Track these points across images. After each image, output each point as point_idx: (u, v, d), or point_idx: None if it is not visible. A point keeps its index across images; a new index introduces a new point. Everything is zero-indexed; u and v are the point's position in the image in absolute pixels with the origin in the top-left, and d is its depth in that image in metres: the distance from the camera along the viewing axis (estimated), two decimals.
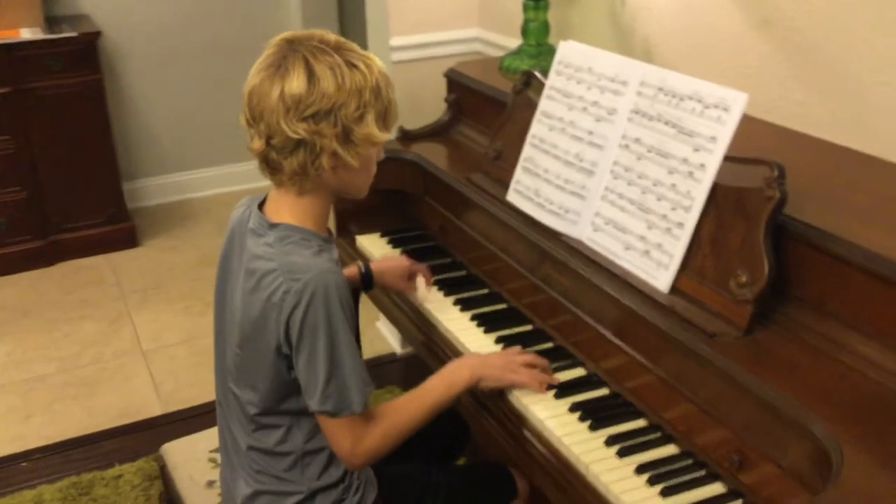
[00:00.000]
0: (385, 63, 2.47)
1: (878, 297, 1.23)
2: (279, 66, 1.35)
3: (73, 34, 3.66)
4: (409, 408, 1.49)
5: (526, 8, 2.25)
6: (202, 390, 2.98)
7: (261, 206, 1.48)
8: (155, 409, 2.91)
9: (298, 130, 1.33)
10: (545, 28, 2.26)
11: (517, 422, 1.52)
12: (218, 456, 1.83)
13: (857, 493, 1.02)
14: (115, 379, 3.09)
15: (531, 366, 1.56)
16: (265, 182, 1.45)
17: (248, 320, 1.41)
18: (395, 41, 2.76)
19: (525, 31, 2.26)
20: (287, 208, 1.44)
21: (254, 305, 1.39)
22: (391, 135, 1.44)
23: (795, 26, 1.77)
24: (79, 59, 3.70)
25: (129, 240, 4.06)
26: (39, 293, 3.68)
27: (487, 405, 1.60)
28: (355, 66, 1.36)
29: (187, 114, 4.45)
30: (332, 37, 1.40)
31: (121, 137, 4.10)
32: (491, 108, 2.12)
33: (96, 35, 3.73)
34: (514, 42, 2.45)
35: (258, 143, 1.39)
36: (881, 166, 1.58)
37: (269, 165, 1.41)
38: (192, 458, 1.84)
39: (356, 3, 3.77)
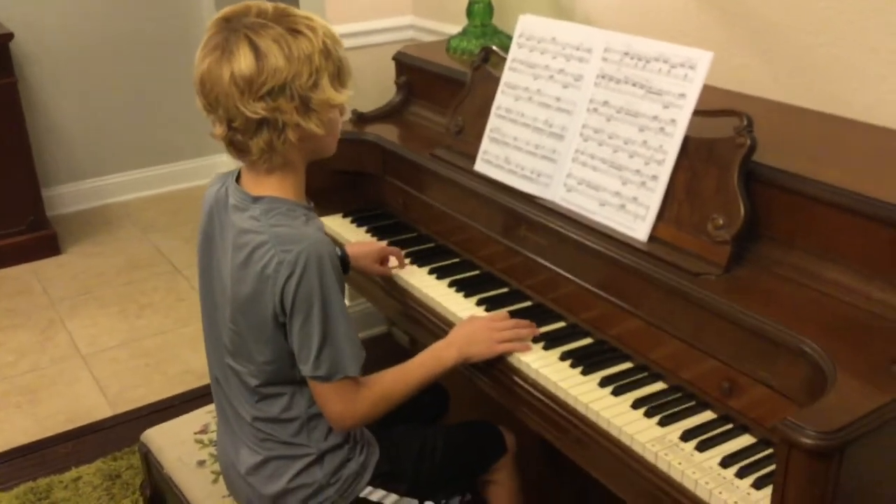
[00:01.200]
0: None
1: (843, 228, 1.36)
2: (224, 49, 1.35)
3: None
4: (399, 379, 1.54)
5: None
6: (150, 390, 2.95)
7: (237, 179, 1.50)
8: (105, 412, 2.85)
9: (257, 110, 1.35)
10: (489, 9, 2.34)
11: (511, 374, 1.59)
12: (204, 437, 1.85)
13: (846, 395, 1.14)
14: (56, 385, 3.01)
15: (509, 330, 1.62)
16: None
17: (241, 295, 1.43)
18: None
19: (470, 13, 2.34)
20: (265, 183, 1.46)
21: (246, 279, 1.42)
22: (350, 91, 1.45)
23: None
24: None
25: (51, 247, 3.95)
26: None
27: (479, 365, 1.66)
28: (299, 33, 1.36)
29: (102, 117, 4.36)
30: (268, 5, 1.39)
31: (35, 143, 3.97)
32: (443, 87, 2.19)
33: (8, 37, 3.62)
34: (450, 28, 2.53)
35: (220, 129, 1.40)
36: (826, 119, 1.72)
37: (236, 148, 1.42)
38: (177, 441, 1.85)
39: None
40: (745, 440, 1.35)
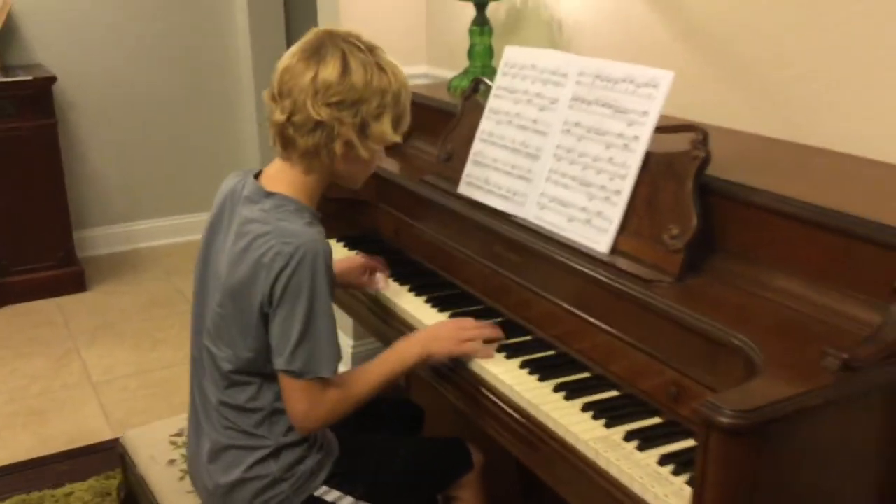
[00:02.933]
0: None
1: (791, 238, 1.38)
2: (316, 52, 1.49)
3: (29, 78, 3.75)
4: (363, 379, 1.58)
5: (472, 34, 2.43)
6: (152, 417, 2.98)
7: (256, 177, 1.59)
8: (106, 435, 2.90)
9: (321, 113, 1.46)
10: (489, 51, 2.44)
11: (471, 379, 1.62)
12: (178, 439, 1.89)
13: (770, 382, 1.14)
14: (64, 409, 3.08)
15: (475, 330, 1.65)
16: None
17: (235, 279, 1.49)
18: None
19: (471, 54, 2.44)
20: (286, 180, 1.55)
21: (242, 265, 1.48)
22: (400, 139, 1.59)
23: (713, 34, 1.97)
24: (33, 103, 3.79)
25: (78, 284, 4.07)
26: None
27: (443, 373, 1.68)
28: (384, 70, 1.52)
29: (137, 164, 4.55)
30: (367, 39, 1.55)
31: (71, 186, 4.15)
32: (441, 121, 2.26)
33: (51, 80, 3.83)
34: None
35: (280, 116, 1.50)
36: (794, 147, 1.76)
37: (284, 139, 1.52)
38: (153, 441, 1.89)
39: None
40: (687, 443, 1.34)
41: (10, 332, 3.67)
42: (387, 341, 1.93)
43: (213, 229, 1.61)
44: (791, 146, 1.76)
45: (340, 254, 2.22)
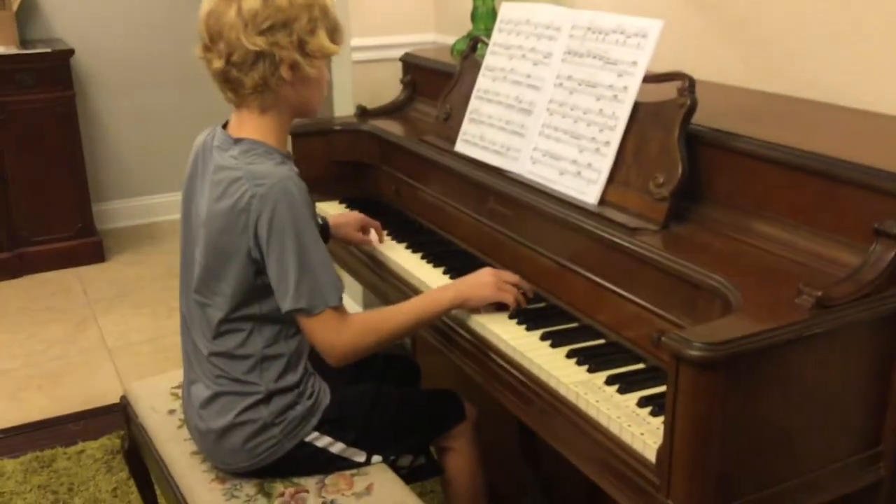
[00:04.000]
0: (345, 63, 2.64)
1: (774, 182, 1.38)
2: None
3: (47, 50, 3.81)
4: (391, 314, 1.60)
5: None
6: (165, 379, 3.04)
7: (224, 127, 1.60)
8: (119, 398, 2.95)
9: (258, 42, 1.46)
10: (492, 13, 2.43)
11: (466, 331, 1.63)
12: (178, 391, 1.92)
13: (742, 318, 1.15)
14: (79, 372, 3.15)
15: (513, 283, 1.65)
16: None
17: (214, 229, 1.51)
18: (356, 41, 2.93)
19: (474, 17, 2.44)
20: (250, 125, 1.56)
21: (220, 214, 1.50)
22: (338, 50, 1.57)
23: None
24: (52, 75, 3.84)
25: (96, 254, 4.14)
26: (4, 301, 3.74)
27: (443, 331, 1.70)
28: None
29: (156, 138, 4.59)
30: None
31: (90, 160, 4.20)
32: (444, 83, 2.27)
33: (70, 53, 3.88)
34: None
35: (218, 63, 1.50)
36: (787, 100, 1.75)
37: (230, 83, 1.53)
38: (154, 393, 1.92)
39: None
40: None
41: (30, 300, 3.74)
42: (383, 297, 1.96)
43: (190, 184, 1.63)
44: (781, 99, 1.76)
45: (339, 211, 2.24)
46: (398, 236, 2.04)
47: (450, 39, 2.95)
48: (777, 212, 1.38)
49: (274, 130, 1.57)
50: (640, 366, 1.42)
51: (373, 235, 2.01)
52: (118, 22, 4.35)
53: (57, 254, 4.04)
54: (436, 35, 3.08)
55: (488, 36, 2.37)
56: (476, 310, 1.62)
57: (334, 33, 1.56)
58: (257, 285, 1.53)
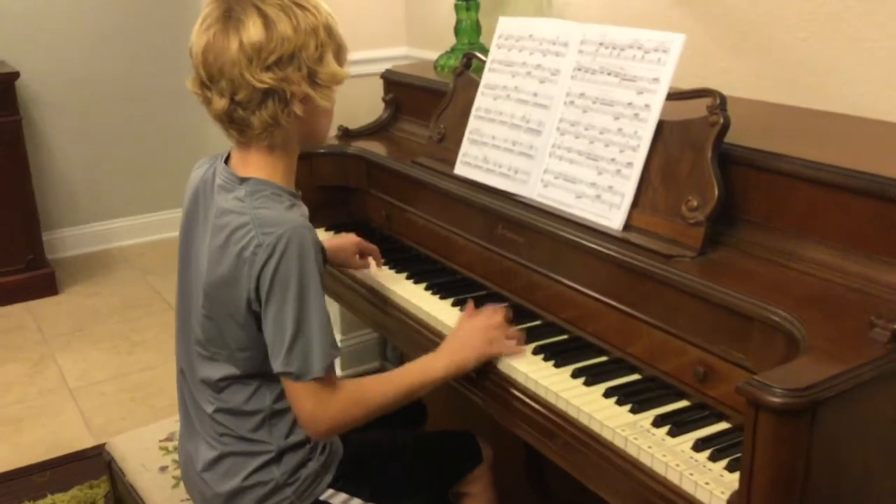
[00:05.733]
0: None
1: (819, 204, 1.31)
2: (229, 18, 1.32)
3: None
4: (380, 387, 1.45)
5: (458, 9, 2.33)
6: (135, 422, 2.87)
7: (226, 162, 1.46)
8: (87, 443, 2.78)
9: (265, 80, 1.32)
10: (476, 28, 2.35)
11: (484, 370, 1.52)
12: (169, 444, 1.78)
13: (818, 357, 1.07)
14: (41, 416, 2.96)
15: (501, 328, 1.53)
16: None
17: (217, 278, 1.37)
18: None
19: (458, 31, 2.34)
20: (255, 164, 1.41)
21: (223, 262, 1.36)
22: (349, 72, 1.43)
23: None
24: None
25: (49, 287, 3.93)
26: None
27: None
28: (305, 8, 1.35)
29: (106, 161, 4.40)
30: None
31: (38, 186, 4.00)
32: (430, 101, 2.16)
33: (14, 76, 3.67)
34: None
35: (221, 103, 1.35)
36: (808, 113, 1.68)
37: (236, 124, 1.37)
38: (141, 448, 1.78)
39: None
40: (721, 426, 1.27)
41: None
42: (388, 331, 1.84)
43: (189, 224, 1.48)
44: (799, 111, 1.69)
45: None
46: (396, 265, 1.92)
47: (423, 54, 2.86)
48: (824, 235, 1.31)
49: (282, 168, 1.43)
50: (685, 403, 1.33)
51: (370, 261, 1.89)
52: (63, 43, 4.14)
53: (7, 288, 3.82)
54: (408, 49, 2.98)
55: (473, 50, 2.29)
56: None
57: (340, 53, 1.42)
58: (261, 338, 1.38)
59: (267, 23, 1.32)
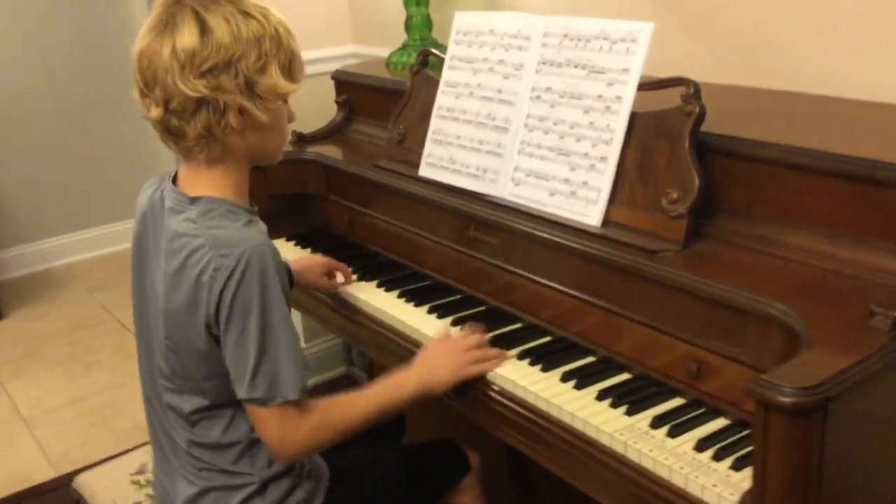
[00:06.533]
0: None
1: (802, 190, 1.28)
2: (168, 24, 1.26)
3: None
4: (350, 408, 1.38)
5: (407, 4, 2.27)
6: (96, 448, 2.78)
7: (174, 181, 1.39)
8: (47, 474, 2.68)
9: (198, 88, 1.25)
10: (427, 22, 2.29)
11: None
12: (140, 478, 1.71)
13: (823, 351, 1.04)
14: None
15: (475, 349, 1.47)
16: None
17: (175, 306, 1.30)
18: None
19: (408, 27, 2.28)
20: (203, 181, 1.34)
21: (180, 288, 1.29)
22: (299, 88, 1.37)
23: None
24: None
25: None
26: None
27: None
28: (251, 16, 1.28)
29: (44, 176, 4.23)
30: None
31: None
32: (385, 101, 2.10)
33: None
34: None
35: (156, 111, 1.28)
36: (774, 95, 1.66)
37: (172, 133, 1.31)
38: (111, 484, 1.70)
39: None
40: (720, 423, 1.25)
41: None
42: (360, 341, 1.78)
43: (141, 251, 1.41)
44: (767, 93, 1.67)
45: (292, 253, 2.05)
46: (364, 273, 1.86)
47: (371, 51, 2.79)
48: (809, 221, 1.28)
49: (232, 184, 1.35)
50: (681, 401, 1.31)
51: (340, 279, 1.83)
52: None
53: None
54: (354, 47, 2.91)
55: (424, 46, 2.23)
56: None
57: (290, 67, 1.34)
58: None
59: (203, 29, 1.25)
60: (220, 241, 1.26)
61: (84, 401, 3.10)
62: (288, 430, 1.30)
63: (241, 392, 1.28)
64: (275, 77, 1.30)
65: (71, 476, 2.56)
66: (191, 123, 1.28)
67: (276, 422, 1.29)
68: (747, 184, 1.36)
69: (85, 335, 3.62)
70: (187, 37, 1.24)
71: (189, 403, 1.36)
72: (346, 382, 3.05)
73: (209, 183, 1.34)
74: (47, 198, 4.26)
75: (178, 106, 1.27)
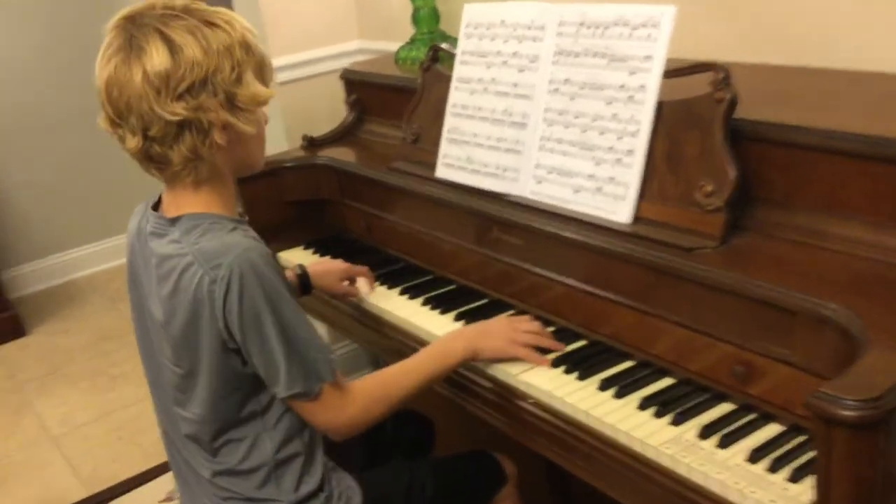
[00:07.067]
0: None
1: (846, 176, 1.21)
2: (131, 47, 1.19)
3: None
4: (396, 378, 1.38)
5: None
6: (126, 464, 2.74)
7: (157, 206, 1.35)
8: (78, 494, 2.64)
9: (177, 111, 1.19)
10: (435, 15, 2.21)
11: (500, 386, 1.42)
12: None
13: (884, 356, 0.97)
14: (26, 471, 2.81)
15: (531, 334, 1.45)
16: None
17: (178, 330, 1.26)
18: (277, 61, 2.65)
19: (416, 20, 2.21)
20: (189, 203, 1.29)
21: (178, 310, 1.25)
22: (275, 90, 1.31)
23: None
24: None
25: (14, 330, 3.75)
26: None
27: (462, 384, 1.49)
28: (215, 25, 1.22)
29: (57, 190, 4.18)
30: (178, 1, 1.24)
31: None
32: (397, 99, 2.03)
33: None
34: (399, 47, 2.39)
35: (134, 141, 1.23)
36: (805, 72, 1.58)
37: (155, 161, 1.26)
38: None
39: None
40: (773, 429, 1.18)
41: None
42: (387, 353, 1.72)
43: (134, 279, 1.37)
44: (803, 71, 1.58)
45: (310, 261, 1.98)
46: (386, 279, 1.80)
47: (378, 45, 2.71)
48: (854, 209, 1.21)
49: (217, 199, 1.31)
50: (729, 406, 1.24)
51: (361, 284, 1.77)
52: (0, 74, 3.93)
53: None
54: (360, 42, 2.83)
55: (434, 40, 2.16)
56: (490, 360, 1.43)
57: (262, 70, 1.28)
58: (247, 374, 1.28)
59: (172, 48, 1.19)
60: (207, 254, 1.22)
61: (111, 415, 3.06)
62: (340, 409, 1.30)
63: (281, 391, 1.26)
64: (252, 85, 1.25)
65: (102, 496, 2.57)
66: (174, 148, 1.23)
67: (325, 407, 1.29)
68: (786, 171, 1.28)
69: (109, 347, 3.59)
70: (157, 59, 1.18)
71: (208, 431, 1.32)
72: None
73: (195, 203, 1.30)
74: (63, 209, 4.22)
75: (159, 132, 1.21)
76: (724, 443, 1.15)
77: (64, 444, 2.94)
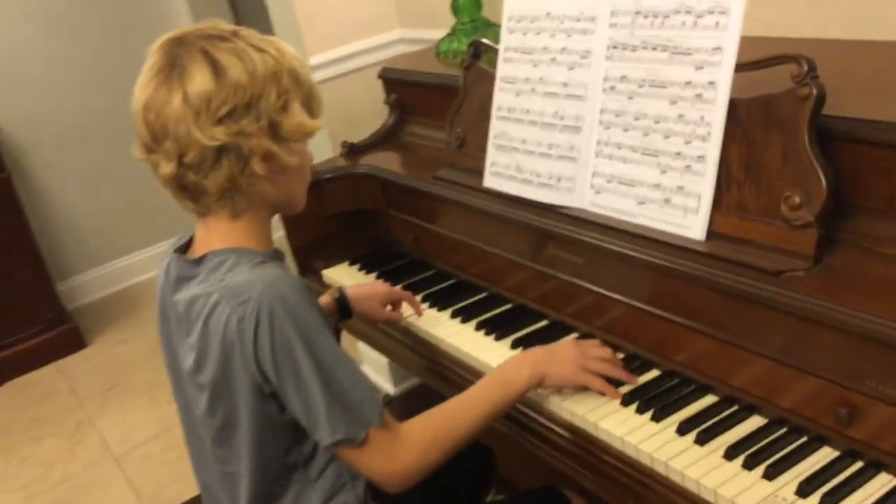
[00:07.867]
0: None
1: None
2: (174, 67, 1.12)
3: None
4: (454, 415, 1.23)
5: None
6: (186, 484, 2.67)
7: (186, 248, 1.25)
8: None
9: (216, 135, 1.10)
10: (476, 2, 2.05)
11: (563, 427, 1.28)
12: None
13: None
14: (89, 493, 2.78)
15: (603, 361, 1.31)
16: None
17: (211, 376, 1.15)
18: (315, 59, 2.52)
19: (455, 9, 2.04)
20: (219, 236, 1.20)
21: (209, 355, 1.14)
22: (321, 123, 1.21)
23: None
24: None
25: (75, 342, 3.74)
26: None
27: (522, 422, 1.35)
28: (263, 51, 1.14)
29: (107, 197, 4.14)
30: (228, 25, 1.17)
31: (43, 236, 3.78)
32: (440, 97, 1.87)
33: None
34: (442, 34, 2.23)
35: (168, 167, 1.14)
36: (890, 46, 1.38)
37: (188, 190, 1.16)
38: None
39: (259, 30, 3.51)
40: (883, 482, 1.01)
41: (13, 414, 3.34)
42: (444, 385, 1.59)
43: (164, 325, 1.28)
44: (883, 45, 1.38)
45: (357, 279, 1.86)
46: (436, 300, 1.66)
47: (418, 33, 2.56)
48: None
49: (250, 235, 1.21)
50: (831, 453, 1.07)
51: (405, 308, 1.64)
52: (42, 87, 3.86)
53: (32, 352, 3.62)
54: (401, 31, 2.68)
55: (476, 30, 2.01)
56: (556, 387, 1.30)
57: (311, 102, 1.20)
58: (286, 423, 1.17)
59: (216, 69, 1.11)
60: (234, 290, 1.12)
61: (170, 431, 3.00)
62: (392, 455, 1.17)
63: (325, 438, 1.14)
64: (298, 115, 1.17)
65: None
66: (209, 176, 1.14)
67: (374, 454, 1.16)
68: (886, 175, 1.09)
69: None
70: (199, 79, 1.10)
71: (247, 481, 1.21)
72: (425, 392, 2.87)
73: (227, 236, 1.20)
74: (115, 217, 4.18)
75: (195, 158, 1.12)
76: (828, 501, 0.99)
77: (125, 463, 2.90)
